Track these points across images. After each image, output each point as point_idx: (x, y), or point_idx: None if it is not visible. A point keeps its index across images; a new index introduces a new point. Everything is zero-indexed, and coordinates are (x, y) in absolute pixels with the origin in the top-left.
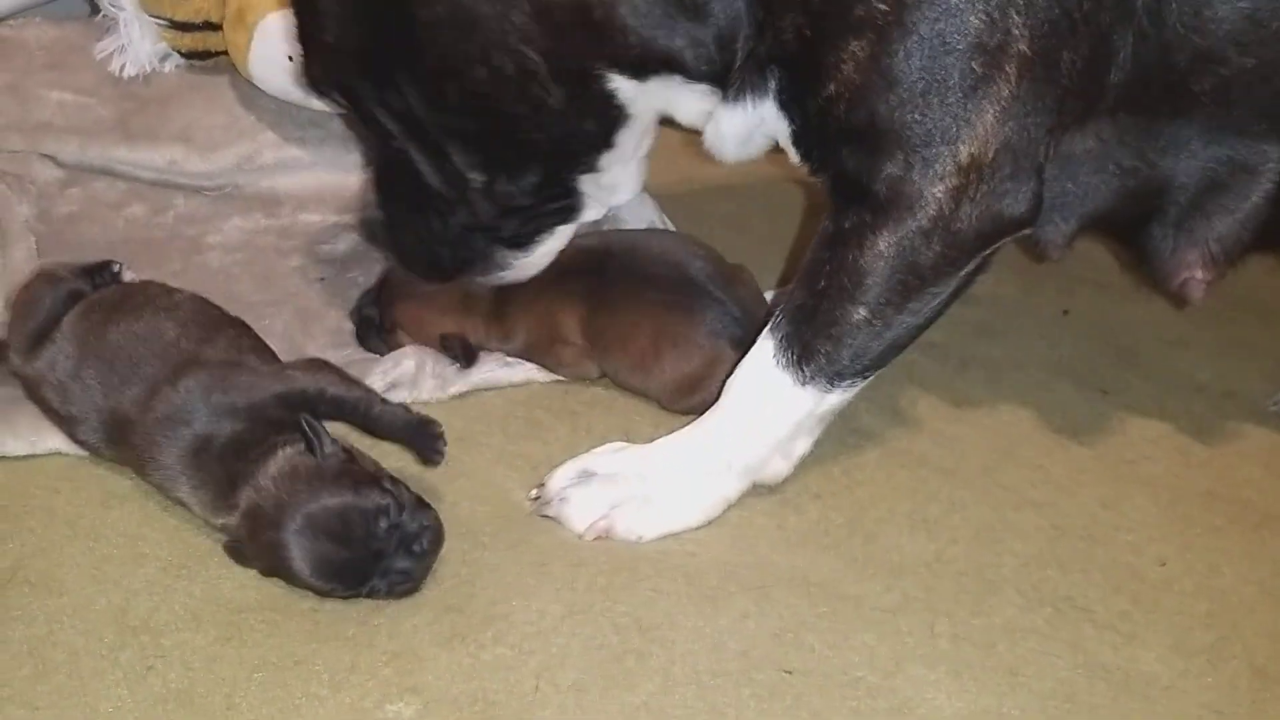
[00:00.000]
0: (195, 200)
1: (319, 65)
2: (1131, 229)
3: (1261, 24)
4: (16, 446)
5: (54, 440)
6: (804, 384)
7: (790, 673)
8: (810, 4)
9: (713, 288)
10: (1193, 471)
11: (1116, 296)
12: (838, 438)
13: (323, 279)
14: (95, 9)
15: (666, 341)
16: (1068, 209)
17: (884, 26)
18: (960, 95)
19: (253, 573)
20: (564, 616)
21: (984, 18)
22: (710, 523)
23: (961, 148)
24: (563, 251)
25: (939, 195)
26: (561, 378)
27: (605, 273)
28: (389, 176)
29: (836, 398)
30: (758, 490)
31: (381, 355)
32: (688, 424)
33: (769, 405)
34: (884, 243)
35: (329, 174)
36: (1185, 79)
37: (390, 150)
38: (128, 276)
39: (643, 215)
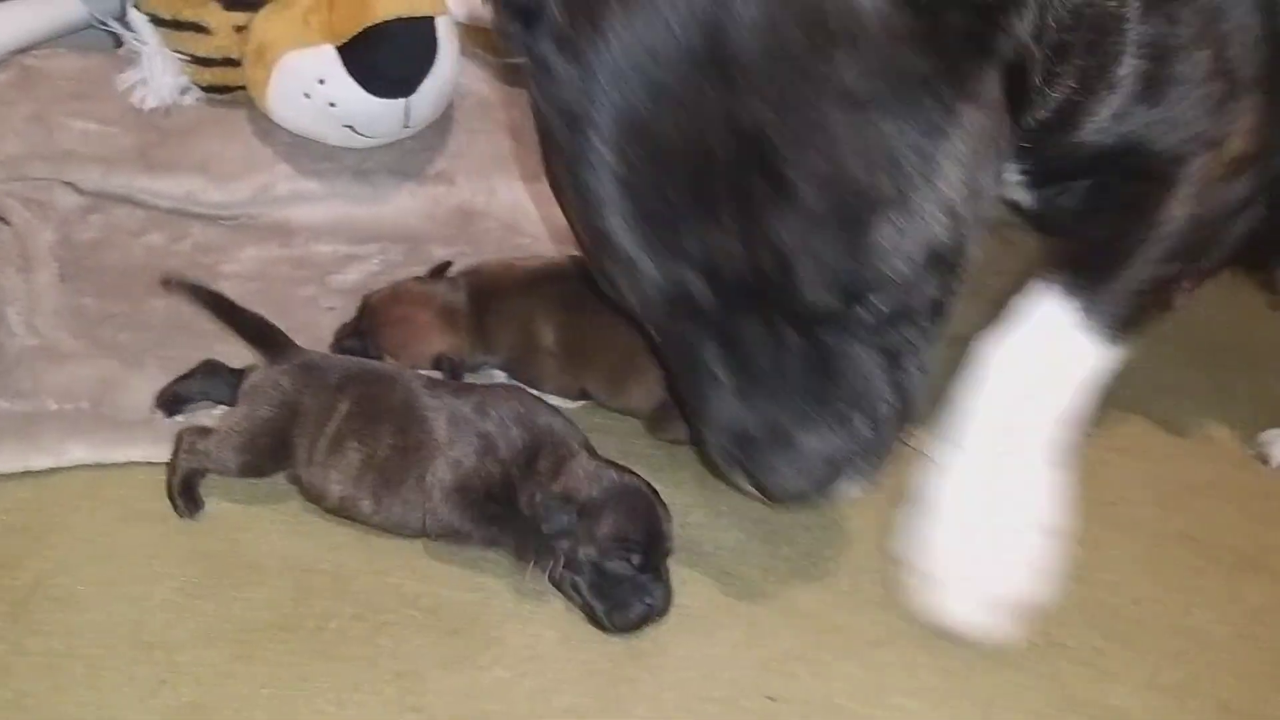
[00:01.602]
0: (212, 229)
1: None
2: None
3: None
4: (41, 460)
5: (78, 451)
6: (1093, 340)
7: (775, 700)
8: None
9: None
10: (1171, 514)
11: None
12: None
13: (333, 308)
14: (119, 42)
15: (640, 351)
16: None
17: (1140, 75)
18: (1211, 114)
19: (264, 593)
20: (560, 642)
21: (1213, 51)
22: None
23: (1223, 148)
24: (535, 263)
25: (1193, 193)
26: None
27: (580, 281)
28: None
29: (1111, 356)
30: (751, 521)
31: None
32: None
33: (1058, 363)
34: (1168, 217)
35: (342, 206)
36: None
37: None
38: None
39: None
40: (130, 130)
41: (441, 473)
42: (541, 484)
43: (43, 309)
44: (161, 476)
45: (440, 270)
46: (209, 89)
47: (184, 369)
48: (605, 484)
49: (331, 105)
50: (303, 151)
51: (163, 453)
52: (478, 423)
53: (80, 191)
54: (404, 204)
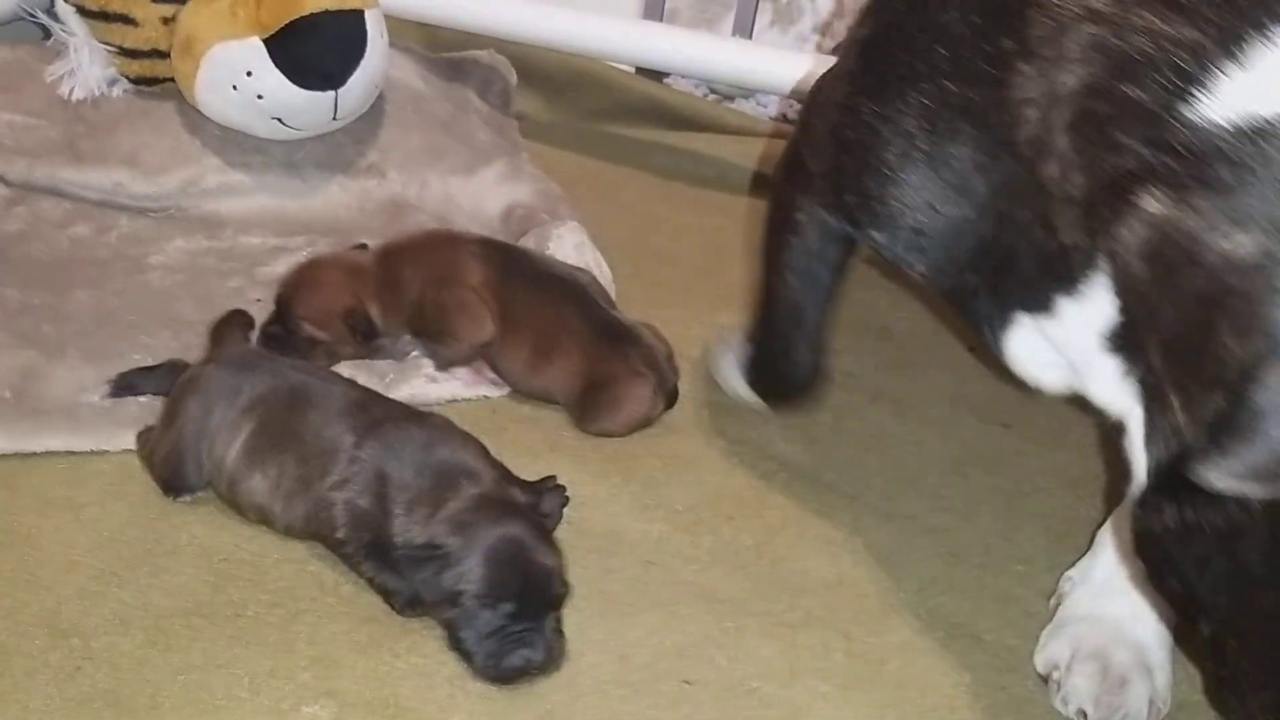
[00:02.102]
0: (139, 221)
1: None
2: None
3: None
4: None
5: None
6: None
7: (690, 683)
8: None
9: (597, 297)
10: (1084, 504)
11: None
12: (750, 464)
13: (259, 300)
14: (47, 34)
15: (564, 332)
16: None
17: None
18: None
19: (182, 580)
20: None
21: None
22: (622, 541)
23: None
24: (465, 237)
25: None
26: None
27: (510, 253)
28: None
29: None
30: (675, 512)
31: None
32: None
33: None
34: None
35: (270, 199)
36: None
37: None
38: None
39: (583, 258)
40: (57, 122)
41: (340, 504)
42: (414, 529)
43: None
44: (81, 465)
45: (357, 249)
46: (137, 81)
47: (106, 360)
48: (476, 530)
49: (259, 97)
50: (232, 144)
51: (82, 442)
52: (376, 461)
53: (6, 183)
54: (334, 196)
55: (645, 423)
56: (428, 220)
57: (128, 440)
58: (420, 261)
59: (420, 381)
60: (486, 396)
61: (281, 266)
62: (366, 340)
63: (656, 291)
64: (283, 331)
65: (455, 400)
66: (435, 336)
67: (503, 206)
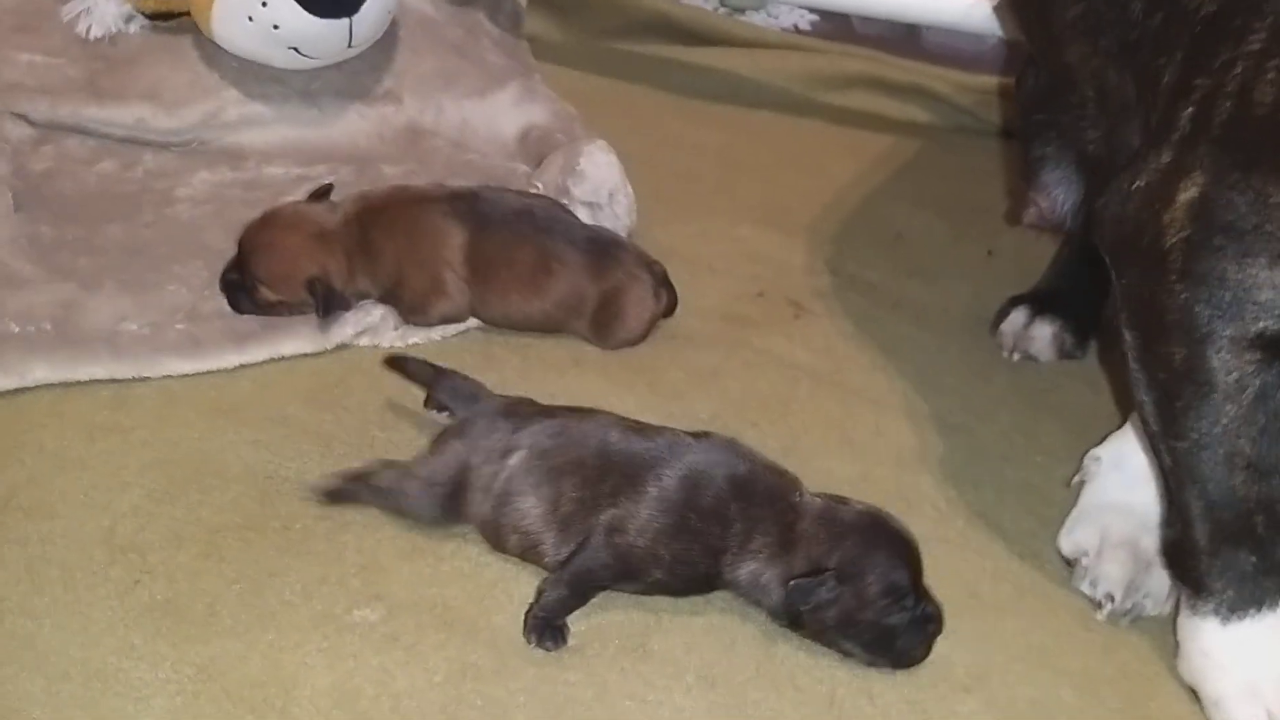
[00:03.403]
0: (163, 155)
1: None
2: None
3: None
4: (5, 381)
5: (40, 371)
6: None
7: None
8: None
9: (567, 215)
10: (1100, 399)
11: (1036, 239)
12: (773, 372)
13: None
14: None
15: (552, 259)
16: None
17: None
18: None
19: (230, 497)
20: None
21: None
22: None
23: None
24: (426, 189)
25: None
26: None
27: (478, 203)
28: None
29: None
30: (697, 418)
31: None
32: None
33: None
34: None
35: (291, 129)
36: None
37: None
38: None
39: (610, 178)
40: (77, 61)
41: (633, 524)
42: (765, 559)
43: None
44: (125, 392)
45: (320, 194)
46: (153, 16)
47: (142, 290)
48: (851, 537)
49: (275, 28)
50: (250, 75)
51: (124, 369)
52: (689, 492)
53: (31, 123)
54: (352, 125)
55: (655, 320)
56: (444, 145)
57: (168, 366)
58: (395, 228)
59: None
60: None
61: (304, 195)
62: (329, 309)
63: (674, 208)
64: (238, 281)
65: (482, 326)
66: (411, 309)
67: (518, 129)
